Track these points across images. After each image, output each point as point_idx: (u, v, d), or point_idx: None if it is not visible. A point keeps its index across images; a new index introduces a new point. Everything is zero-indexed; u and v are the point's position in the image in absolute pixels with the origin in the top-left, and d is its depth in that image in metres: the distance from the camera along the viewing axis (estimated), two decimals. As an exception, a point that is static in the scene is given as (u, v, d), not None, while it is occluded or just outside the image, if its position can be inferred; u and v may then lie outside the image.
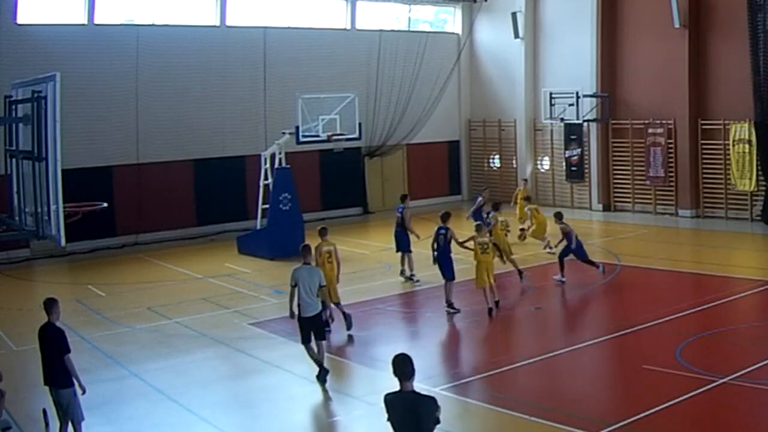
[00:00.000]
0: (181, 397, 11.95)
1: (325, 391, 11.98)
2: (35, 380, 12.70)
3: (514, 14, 30.44)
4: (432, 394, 6.99)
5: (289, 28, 28.57)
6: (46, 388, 9.89)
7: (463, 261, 20.40)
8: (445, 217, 16.47)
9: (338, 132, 23.26)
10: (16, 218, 10.09)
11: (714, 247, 22.50)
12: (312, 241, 21.49)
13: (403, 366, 6.76)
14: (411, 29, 32.18)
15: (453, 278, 16.15)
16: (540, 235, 21.89)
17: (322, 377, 12.12)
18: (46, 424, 10.30)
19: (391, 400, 6.86)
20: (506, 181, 32.00)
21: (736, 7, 24.54)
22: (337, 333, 15.31)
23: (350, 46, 29.77)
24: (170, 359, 13.78)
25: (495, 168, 32.67)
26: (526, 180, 27.91)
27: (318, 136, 22.93)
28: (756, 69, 24.02)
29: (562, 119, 28.63)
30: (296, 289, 12.34)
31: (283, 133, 23.14)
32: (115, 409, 11.62)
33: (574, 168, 29.70)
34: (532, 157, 31.33)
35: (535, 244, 21.97)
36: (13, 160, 10.14)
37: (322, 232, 15.40)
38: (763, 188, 24.66)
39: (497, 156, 32.52)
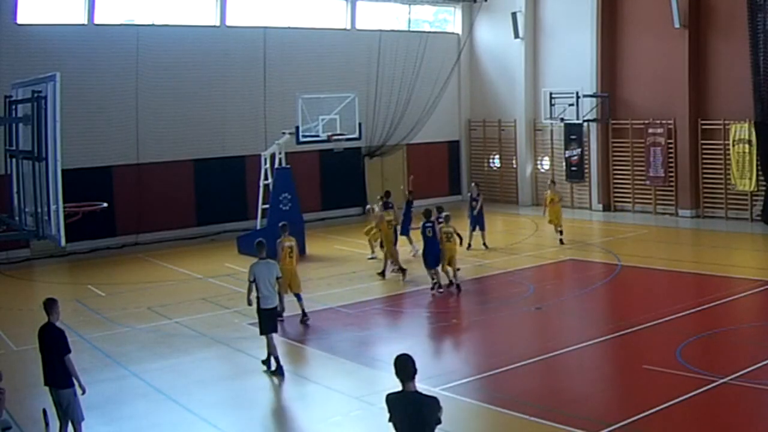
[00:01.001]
0: (181, 397, 11.95)
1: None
2: (35, 380, 12.70)
3: (514, 14, 30.44)
4: (433, 395, 6.98)
5: (289, 28, 28.56)
6: (46, 388, 9.89)
7: (461, 261, 20.40)
8: (428, 213, 18.00)
9: (338, 132, 23.27)
10: (16, 218, 10.09)
11: (714, 247, 22.50)
12: (312, 240, 21.54)
13: (405, 366, 6.75)
14: (411, 29, 32.17)
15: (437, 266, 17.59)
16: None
17: (272, 367, 12.75)
18: (46, 424, 10.29)
19: (393, 400, 6.85)
20: (506, 181, 32.03)
21: (736, 7, 24.55)
22: (337, 333, 15.32)
23: (350, 46, 29.77)
24: (170, 359, 13.78)
25: (495, 168, 32.67)
26: (554, 182, 24.93)
27: (318, 136, 22.94)
28: (756, 69, 24.03)
29: (562, 119, 28.64)
30: (254, 285, 12.93)
31: (283, 133, 23.15)
32: (115, 409, 11.62)
33: (574, 168, 29.69)
34: (532, 157, 31.33)
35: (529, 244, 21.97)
36: (13, 160, 10.14)
37: (283, 229, 16.39)
38: (763, 188, 24.66)
39: (497, 156, 32.52)
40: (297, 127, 22.44)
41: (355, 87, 26.56)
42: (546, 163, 31.05)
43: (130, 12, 25.88)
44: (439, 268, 17.68)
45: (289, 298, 16.05)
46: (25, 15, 23.31)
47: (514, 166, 31.79)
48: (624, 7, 28.10)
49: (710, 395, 10.98)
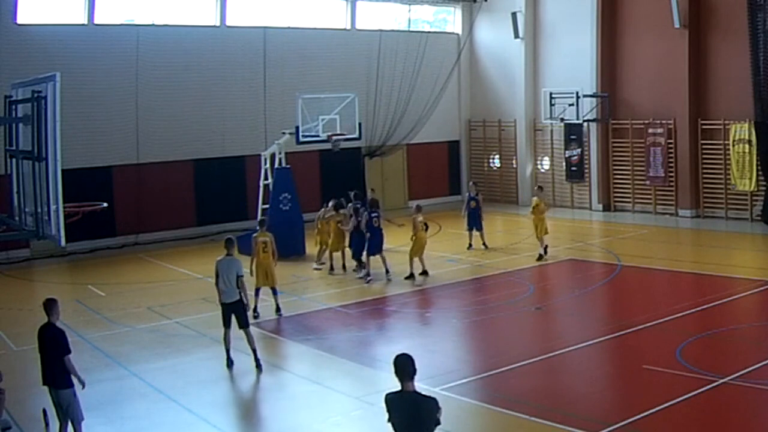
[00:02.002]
0: (181, 397, 11.95)
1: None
2: (35, 380, 12.69)
3: (514, 14, 30.45)
4: (432, 395, 6.98)
5: (289, 28, 28.56)
6: (46, 388, 9.89)
7: (461, 261, 20.46)
8: (375, 203, 20.24)
9: (338, 132, 23.26)
10: (16, 218, 10.08)
11: (714, 247, 22.50)
12: (312, 240, 21.54)
13: (404, 366, 6.75)
14: (411, 29, 32.17)
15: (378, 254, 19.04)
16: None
17: (258, 364, 12.97)
18: (46, 424, 10.30)
19: (392, 400, 6.85)
20: (506, 181, 32.03)
21: (736, 7, 24.55)
22: (337, 333, 15.32)
23: (350, 46, 29.77)
24: (170, 359, 13.78)
25: (495, 168, 32.67)
26: (541, 188, 23.44)
27: (318, 136, 22.93)
28: (756, 69, 24.02)
29: (562, 119, 28.63)
30: (218, 278, 13.30)
31: (283, 133, 23.15)
32: (115, 409, 11.62)
33: (574, 168, 29.69)
34: (532, 157, 31.34)
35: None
36: (13, 160, 10.13)
37: (261, 224, 16.88)
38: (763, 188, 24.66)
39: (497, 156, 32.52)
40: (297, 127, 22.44)
41: (355, 87, 26.57)
42: (546, 163, 31.04)
43: (130, 12, 25.89)
44: (365, 258, 19.07)
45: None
46: (25, 15, 23.31)
47: (514, 166, 31.79)
48: (624, 7, 28.10)
49: (710, 395, 10.98)
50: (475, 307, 16.59)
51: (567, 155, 29.87)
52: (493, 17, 32.02)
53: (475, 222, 22.40)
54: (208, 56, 26.41)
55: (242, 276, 13.33)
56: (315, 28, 29.30)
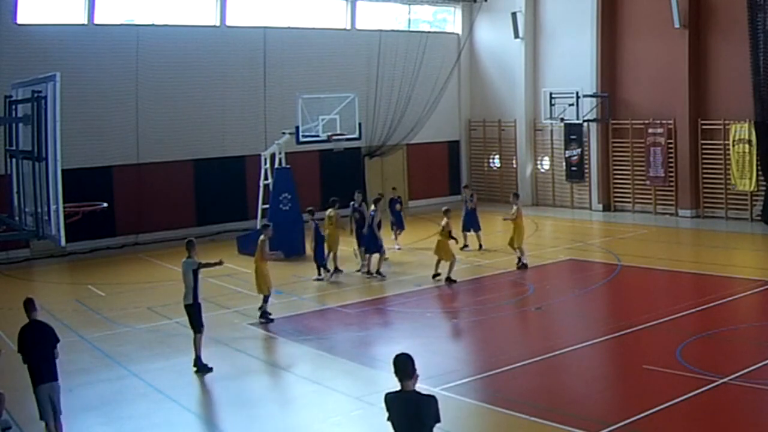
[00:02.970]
0: (181, 397, 11.95)
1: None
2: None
3: (514, 14, 30.44)
4: (432, 394, 6.98)
5: (289, 28, 28.57)
6: (45, 387, 9.91)
7: (461, 261, 20.44)
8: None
9: (338, 132, 23.26)
10: (16, 218, 10.09)
11: (714, 247, 22.50)
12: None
13: (404, 366, 6.77)
14: (411, 29, 32.18)
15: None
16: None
17: (200, 368, 12.83)
18: (46, 424, 10.29)
19: (391, 399, 6.86)
20: (506, 181, 32.01)
21: (736, 7, 24.54)
22: (337, 333, 15.33)
23: (350, 46, 29.77)
24: (170, 359, 13.77)
25: (495, 168, 32.67)
26: (517, 195, 21.75)
27: (318, 136, 22.93)
28: (756, 69, 24.02)
29: (562, 119, 28.63)
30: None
31: (283, 133, 23.14)
32: (115, 409, 11.61)
33: (574, 168, 29.69)
34: (532, 157, 31.34)
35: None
36: (13, 160, 10.14)
37: (265, 228, 16.63)
38: (763, 188, 24.66)
39: (497, 156, 32.52)
40: (297, 127, 22.43)
41: (355, 87, 26.57)
42: (546, 163, 31.05)
43: (130, 12, 25.89)
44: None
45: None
46: (25, 15, 23.32)
47: (514, 166, 31.79)
48: (624, 7, 28.10)
49: (710, 395, 10.98)
50: (475, 307, 16.59)
51: (567, 155, 29.87)
52: (493, 17, 32.02)
53: (472, 224, 22.37)
54: (208, 56, 26.41)
55: (199, 266, 13.19)
56: (315, 28, 29.31)
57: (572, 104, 28.02)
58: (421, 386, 7.01)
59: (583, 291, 17.90)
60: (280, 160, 22.89)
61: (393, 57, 30.22)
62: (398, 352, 6.88)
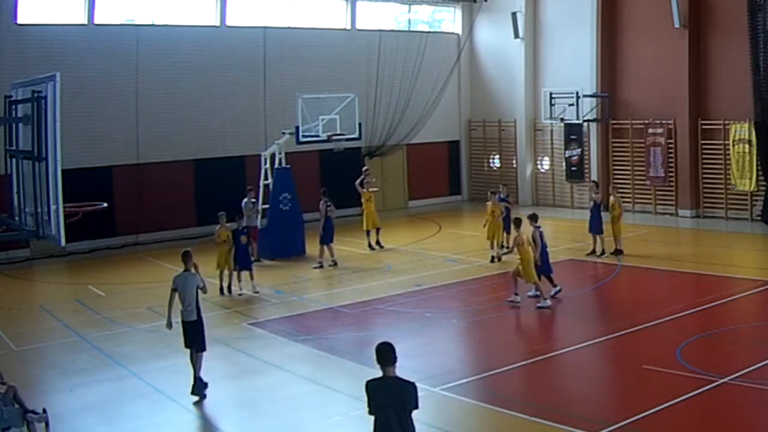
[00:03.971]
0: (181, 397, 11.93)
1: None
2: (35, 380, 12.74)
3: (514, 14, 30.45)
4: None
5: (289, 28, 28.57)
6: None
7: (461, 261, 20.44)
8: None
9: (338, 132, 23.26)
10: (16, 218, 10.08)
11: (714, 247, 22.50)
12: (312, 240, 21.50)
13: (386, 353, 7.17)
14: (411, 29, 32.18)
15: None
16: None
17: (197, 390, 11.83)
18: (46, 424, 10.29)
19: (374, 386, 7.22)
20: (506, 181, 31.89)
21: (736, 7, 24.54)
22: (337, 333, 15.33)
23: (350, 46, 29.77)
24: (170, 359, 13.76)
25: (495, 168, 32.67)
26: (494, 193, 21.69)
27: (318, 136, 22.93)
28: (756, 69, 24.03)
29: (562, 119, 28.64)
30: (175, 294, 12.16)
31: (283, 133, 23.14)
32: (115, 409, 11.61)
33: (574, 168, 29.69)
34: (532, 157, 31.34)
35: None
36: (13, 160, 10.13)
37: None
38: (763, 188, 24.66)
39: (497, 156, 32.52)
40: (297, 127, 22.43)
41: (355, 87, 26.56)
42: (546, 163, 31.05)
43: (130, 12, 25.89)
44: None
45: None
46: (25, 15, 23.32)
47: (514, 166, 31.79)
48: (624, 7, 28.10)
49: (710, 395, 10.98)
50: (474, 307, 16.58)
51: (567, 155, 29.87)
52: (493, 17, 32.02)
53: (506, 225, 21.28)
54: (208, 56, 26.41)
55: (203, 288, 12.22)
56: (315, 28, 29.31)
57: (572, 104, 28.02)
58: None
59: (583, 291, 17.90)
60: (280, 160, 22.89)
61: (393, 57, 30.22)
62: (380, 341, 7.22)
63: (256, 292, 18.07)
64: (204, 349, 12.20)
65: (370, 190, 23.10)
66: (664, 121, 26.87)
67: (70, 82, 17.38)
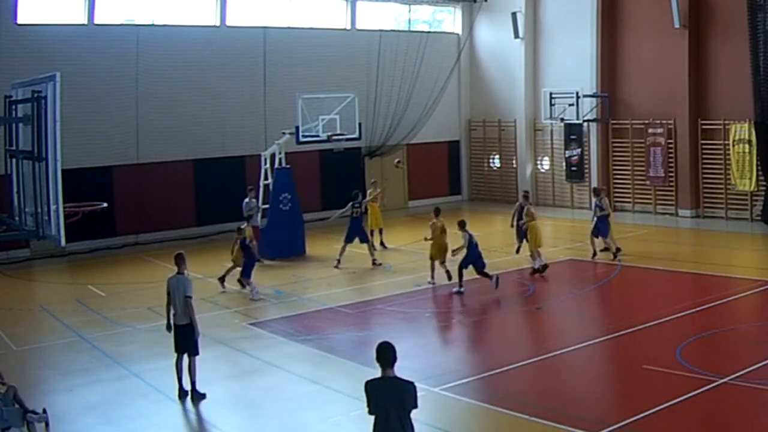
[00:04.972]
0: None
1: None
2: (35, 380, 12.74)
3: (514, 14, 30.44)
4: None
5: (289, 28, 28.56)
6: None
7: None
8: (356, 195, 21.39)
9: (338, 132, 23.27)
10: (16, 218, 10.08)
11: (714, 247, 22.50)
12: (312, 240, 21.49)
13: (386, 353, 7.15)
14: (411, 29, 32.17)
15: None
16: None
17: (195, 396, 11.74)
18: (47, 424, 10.30)
19: (375, 386, 7.21)
20: (506, 181, 32.02)
21: (736, 7, 24.54)
22: (337, 333, 15.32)
23: (350, 46, 29.77)
24: (170, 359, 13.69)
25: (495, 168, 32.67)
26: (439, 209, 19.50)
27: (318, 136, 22.93)
28: (756, 69, 24.02)
29: (562, 119, 28.63)
30: (170, 298, 12.09)
31: (283, 133, 23.14)
32: (115, 409, 11.61)
33: (574, 168, 29.69)
34: (532, 157, 31.33)
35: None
36: (13, 160, 10.13)
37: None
38: (763, 188, 24.66)
39: (497, 156, 32.52)
40: (297, 127, 22.43)
41: (355, 87, 26.55)
42: (546, 163, 31.05)
43: (130, 12, 25.88)
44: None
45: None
46: (25, 15, 23.31)
47: (514, 166, 31.78)
48: (624, 7, 28.10)
49: (710, 395, 10.98)
50: (475, 307, 16.58)
51: (567, 155, 29.87)
52: (493, 17, 32.02)
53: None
54: (208, 56, 26.40)
55: (190, 296, 12.01)
56: (315, 28, 29.30)
57: (572, 104, 28.01)
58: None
59: (583, 291, 17.90)
60: (280, 160, 22.89)
61: (393, 57, 30.21)
62: (380, 341, 7.21)
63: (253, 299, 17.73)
64: (197, 353, 11.99)
65: (377, 190, 23.20)
66: (664, 121, 26.87)
67: (70, 82, 17.33)
